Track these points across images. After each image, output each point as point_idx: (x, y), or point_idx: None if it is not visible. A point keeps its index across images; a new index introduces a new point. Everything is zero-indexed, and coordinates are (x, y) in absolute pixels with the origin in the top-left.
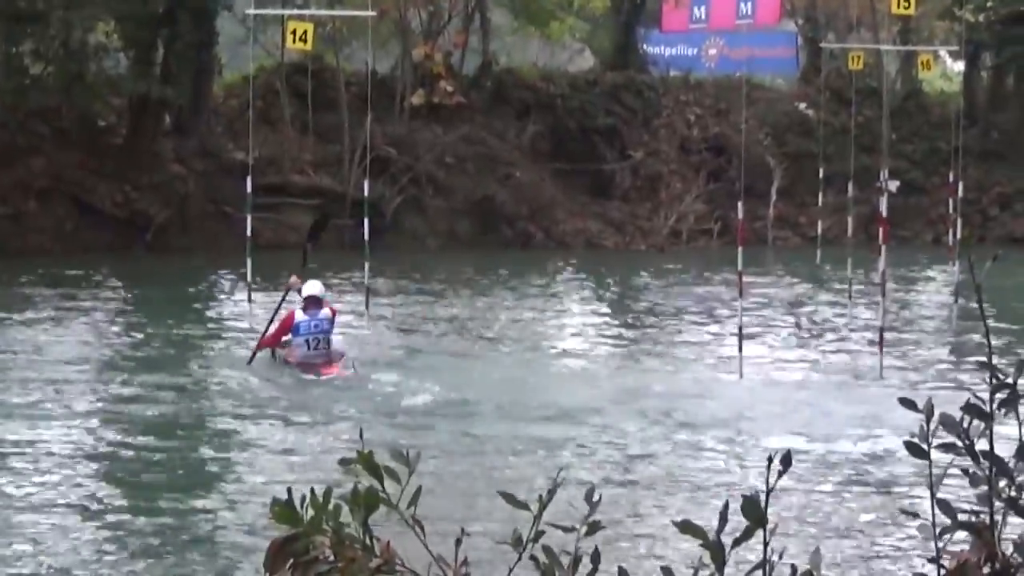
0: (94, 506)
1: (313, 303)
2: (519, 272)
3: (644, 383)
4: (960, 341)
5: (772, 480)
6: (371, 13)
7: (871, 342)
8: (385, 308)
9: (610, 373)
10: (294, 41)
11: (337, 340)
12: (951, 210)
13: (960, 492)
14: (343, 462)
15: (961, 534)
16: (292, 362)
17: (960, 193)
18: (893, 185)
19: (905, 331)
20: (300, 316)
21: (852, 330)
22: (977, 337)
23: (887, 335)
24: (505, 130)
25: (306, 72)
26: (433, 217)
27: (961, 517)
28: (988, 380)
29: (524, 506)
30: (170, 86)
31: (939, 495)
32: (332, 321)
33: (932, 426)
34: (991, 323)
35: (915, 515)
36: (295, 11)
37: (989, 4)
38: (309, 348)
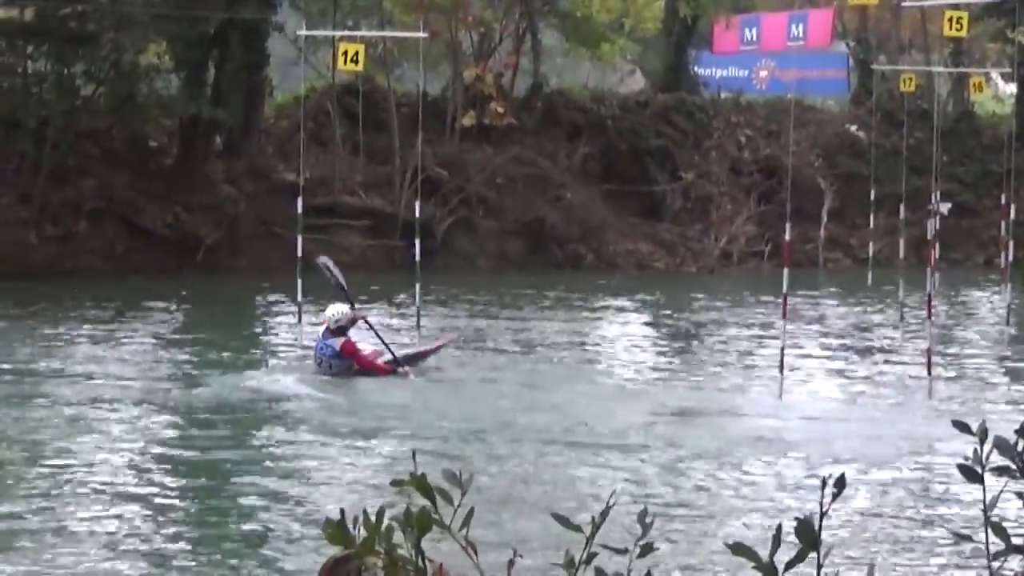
0: (143, 526)
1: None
2: (569, 293)
3: (691, 404)
4: (1013, 364)
5: (826, 502)
6: (422, 34)
7: (922, 364)
8: (436, 328)
9: (657, 394)
10: (345, 62)
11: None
12: (1003, 232)
13: (1015, 515)
14: (396, 483)
15: (1016, 558)
16: None
17: (1012, 215)
18: (945, 207)
19: (957, 354)
20: (318, 334)
21: (903, 352)
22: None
23: (939, 358)
24: (556, 151)
25: (357, 93)
26: (484, 238)
27: (1015, 541)
28: None
29: (577, 528)
30: (221, 107)
31: (993, 518)
32: (341, 355)
33: (986, 449)
34: None
35: (969, 538)
36: (346, 32)
37: None
38: (317, 365)
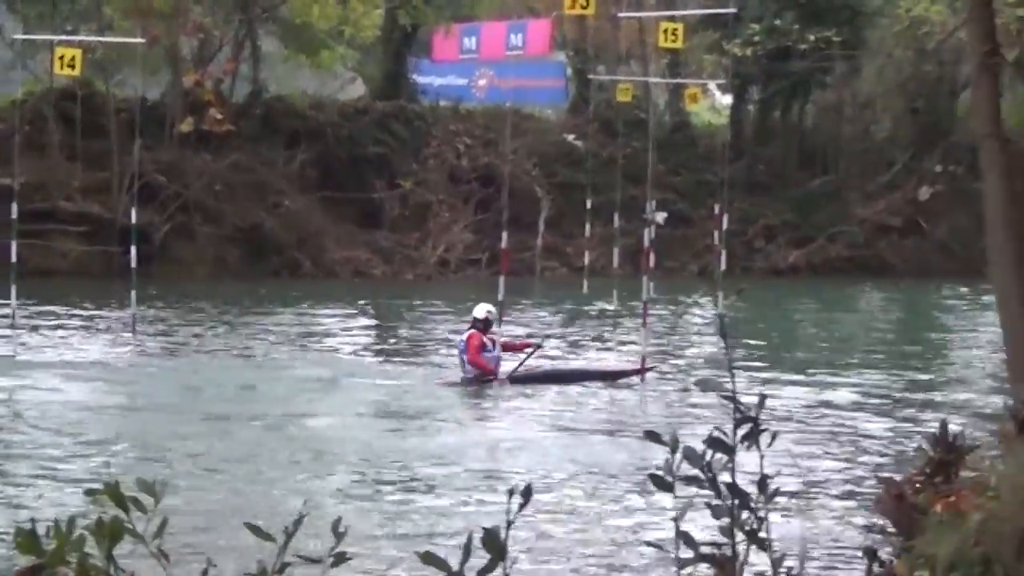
0: None
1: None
2: (284, 300)
3: (406, 412)
4: (716, 374)
5: (513, 512)
6: (140, 40)
7: (636, 373)
8: (151, 335)
9: (365, 401)
10: (62, 67)
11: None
12: (716, 242)
13: (707, 524)
14: (89, 492)
15: (704, 566)
16: None
17: (725, 225)
18: (660, 216)
19: (667, 363)
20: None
21: (617, 361)
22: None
23: (652, 367)
24: (274, 158)
25: (75, 98)
26: (202, 244)
27: (704, 550)
28: (732, 414)
29: (269, 537)
30: None
31: (683, 527)
32: (466, 346)
33: (677, 459)
34: (749, 356)
35: (659, 547)
36: (64, 37)
37: (756, 39)
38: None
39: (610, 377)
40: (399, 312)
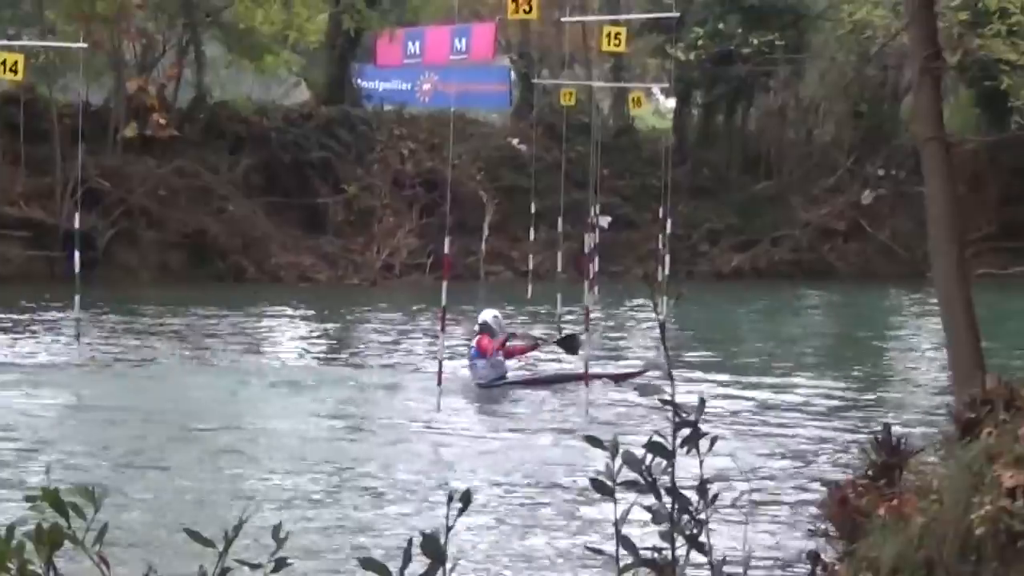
0: None
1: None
2: (229, 305)
3: (346, 414)
4: (659, 378)
5: (452, 517)
6: (82, 45)
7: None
8: (95, 340)
9: (307, 409)
10: (4, 72)
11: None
12: (660, 246)
13: (647, 529)
14: (29, 499)
15: (644, 571)
16: None
17: (669, 229)
18: (605, 221)
19: (611, 367)
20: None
21: (558, 365)
22: (677, 373)
23: (596, 371)
24: (218, 163)
25: (18, 103)
26: (146, 250)
27: (645, 554)
28: (671, 418)
29: (209, 543)
30: None
31: (624, 532)
32: (477, 350)
33: (617, 463)
34: (693, 360)
35: (600, 552)
36: (5, 42)
37: (700, 43)
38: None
39: (604, 379)
40: (344, 317)
